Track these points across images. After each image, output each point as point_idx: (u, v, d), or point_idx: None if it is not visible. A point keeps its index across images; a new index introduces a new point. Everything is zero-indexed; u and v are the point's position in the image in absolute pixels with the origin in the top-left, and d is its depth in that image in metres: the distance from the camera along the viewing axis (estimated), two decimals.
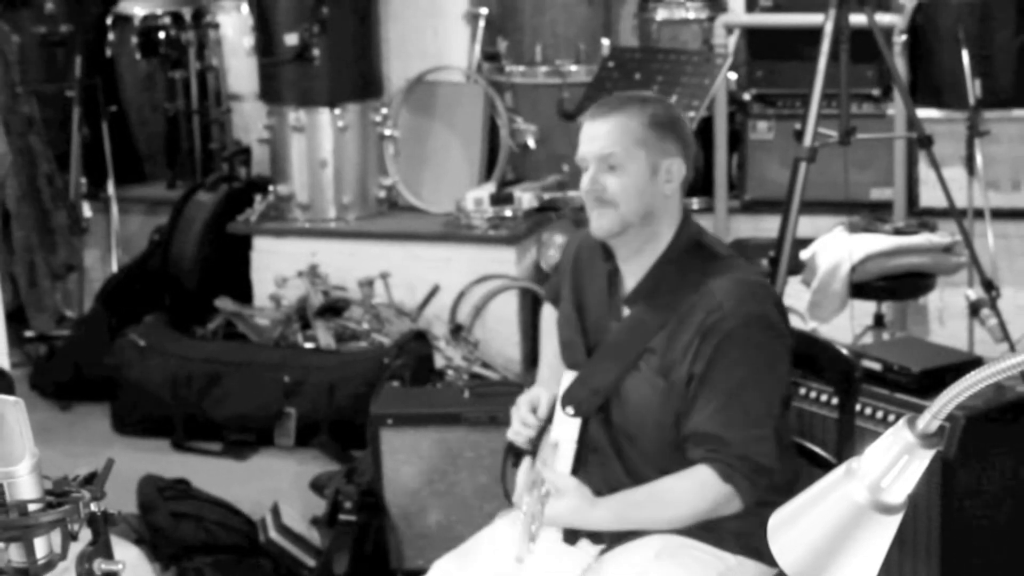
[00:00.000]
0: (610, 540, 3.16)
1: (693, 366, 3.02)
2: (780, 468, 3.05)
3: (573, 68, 6.77)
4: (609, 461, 3.15)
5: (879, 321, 5.58)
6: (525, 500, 3.02)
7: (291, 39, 6.43)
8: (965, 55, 5.73)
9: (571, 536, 3.17)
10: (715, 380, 3.01)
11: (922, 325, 6.15)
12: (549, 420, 3.27)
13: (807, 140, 4.71)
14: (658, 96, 3.30)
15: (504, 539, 3.20)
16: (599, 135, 3.10)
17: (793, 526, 1.67)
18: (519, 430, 3.29)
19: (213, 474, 5.37)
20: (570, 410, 3.17)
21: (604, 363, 3.14)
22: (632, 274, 3.17)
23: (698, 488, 3.02)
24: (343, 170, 6.64)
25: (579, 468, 3.14)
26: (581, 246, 3.33)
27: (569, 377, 3.21)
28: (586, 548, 3.18)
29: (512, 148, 6.66)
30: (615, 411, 3.14)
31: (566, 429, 3.18)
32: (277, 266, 6.51)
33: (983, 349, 5.30)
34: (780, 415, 3.10)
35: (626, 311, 3.17)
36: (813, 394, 4.03)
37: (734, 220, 6.73)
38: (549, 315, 3.53)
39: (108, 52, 7.44)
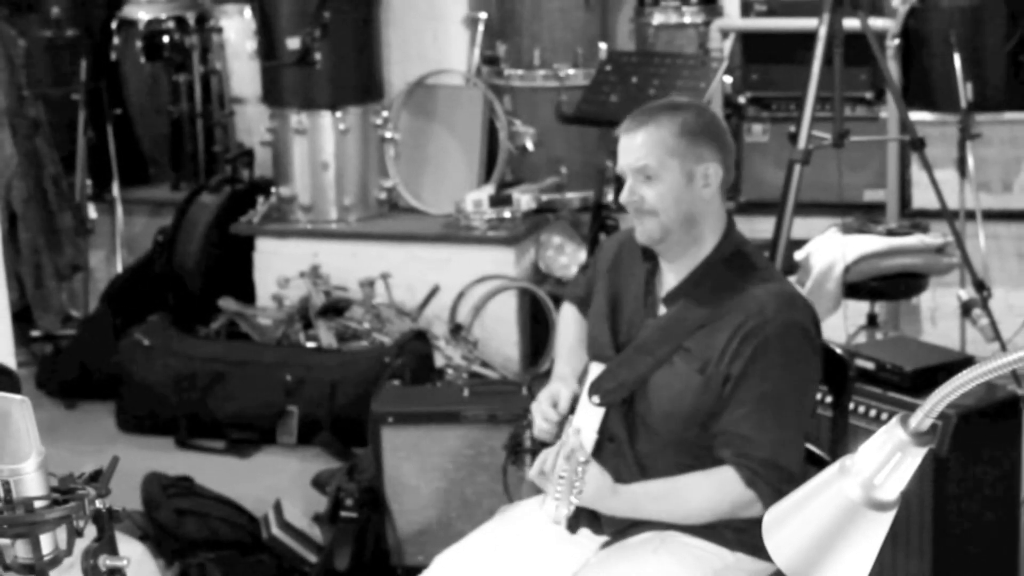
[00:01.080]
0: (611, 533, 3.16)
1: (731, 367, 3.01)
2: (802, 475, 3.05)
3: (571, 72, 6.77)
4: (623, 450, 3.15)
5: (872, 321, 5.59)
6: (562, 466, 2.99)
7: (293, 43, 6.42)
8: (957, 59, 5.73)
9: (573, 524, 3.17)
10: (751, 383, 3.00)
11: (914, 325, 6.15)
12: (569, 414, 3.27)
13: (801, 142, 4.72)
14: (693, 103, 3.27)
15: (504, 535, 3.21)
16: (632, 148, 3.10)
17: (788, 523, 1.67)
18: (542, 425, 3.29)
19: (216, 471, 5.37)
20: (596, 399, 3.18)
21: (636, 356, 3.14)
22: (673, 274, 3.18)
23: (719, 489, 3.02)
24: (344, 172, 6.64)
25: (597, 455, 3.15)
26: (623, 245, 3.32)
27: (598, 368, 3.21)
28: (586, 541, 3.18)
29: (511, 150, 6.66)
30: (639, 402, 3.14)
31: (590, 417, 3.19)
32: (279, 267, 6.51)
33: (974, 348, 5.31)
34: (808, 425, 3.11)
35: (663, 309, 3.18)
36: None
37: None
38: (569, 314, 3.53)
39: (113, 56, 7.44)
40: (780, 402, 3.02)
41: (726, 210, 3.20)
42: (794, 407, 3.04)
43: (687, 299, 3.13)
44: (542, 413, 3.29)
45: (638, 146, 3.09)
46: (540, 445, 3.32)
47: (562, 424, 3.27)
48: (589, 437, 3.17)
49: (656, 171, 3.07)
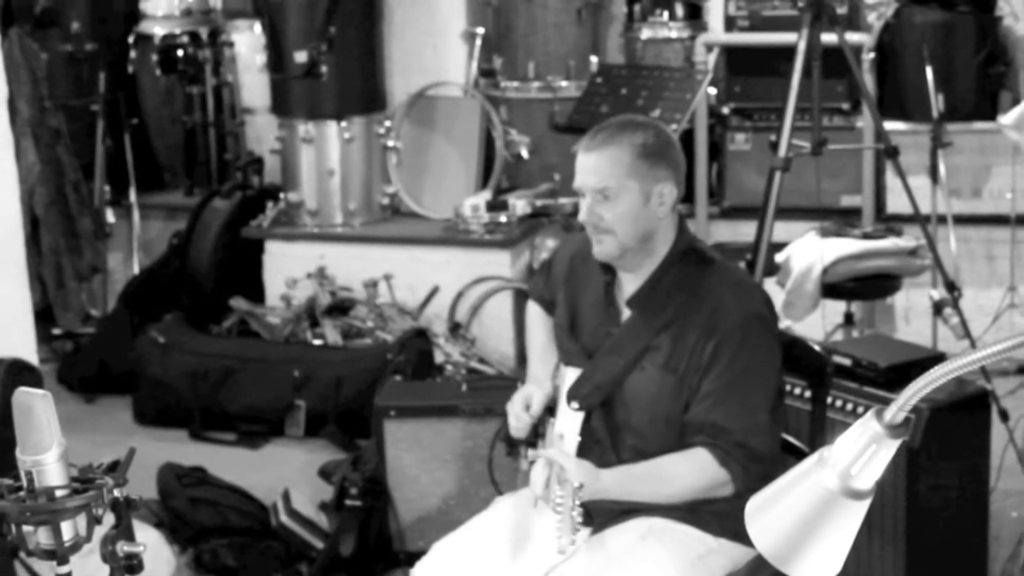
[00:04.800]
0: (600, 522, 3.16)
1: (699, 361, 3.03)
2: (774, 456, 3.05)
3: (564, 84, 6.77)
4: (606, 453, 3.15)
5: (849, 319, 5.59)
6: (558, 493, 2.98)
7: (301, 56, 6.42)
8: (929, 72, 5.73)
9: None
10: (716, 373, 3.01)
11: (889, 323, 6.16)
12: (544, 415, 3.27)
13: (781, 151, 4.71)
14: (649, 121, 3.19)
15: (500, 523, 3.20)
16: (592, 168, 3.07)
17: (769, 510, 1.67)
18: (515, 425, 3.29)
19: (228, 462, 5.37)
20: (575, 405, 3.17)
21: (608, 360, 3.14)
22: (632, 280, 3.16)
23: (697, 469, 3.03)
24: (349, 179, 6.64)
25: (583, 457, 3.14)
26: (575, 255, 3.30)
27: (573, 374, 3.20)
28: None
29: (507, 158, 6.66)
30: (618, 408, 3.14)
31: (570, 422, 3.18)
32: (288, 268, 6.51)
33: (946, 346, 5.31)
34: (776, 407, 3.10)
35: (627, 313, 3.17)
36: (788, 387, 4.03)
37: (714, 225, 6.74)
38: (535, 313, 3.51)
39: (130, 69, 7.44)
40: (745, 389, 3.02)
41: (677, 215, 3.18)
42: (759, 392, 3.04)
43: (650, 300, 3.12)
44: (515, 415, 3.29)
45: (599, 167, 3.05)
46: (503, 438, 3.34)
47: (535, 426, 3.27)
48: (572, 440, 3.17)
49: (615, 192, 3.05)
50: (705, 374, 3.02)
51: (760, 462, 2.99)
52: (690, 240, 3.19)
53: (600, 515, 3.16)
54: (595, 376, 3.16)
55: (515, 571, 3.08)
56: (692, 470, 3.04)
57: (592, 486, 3.01)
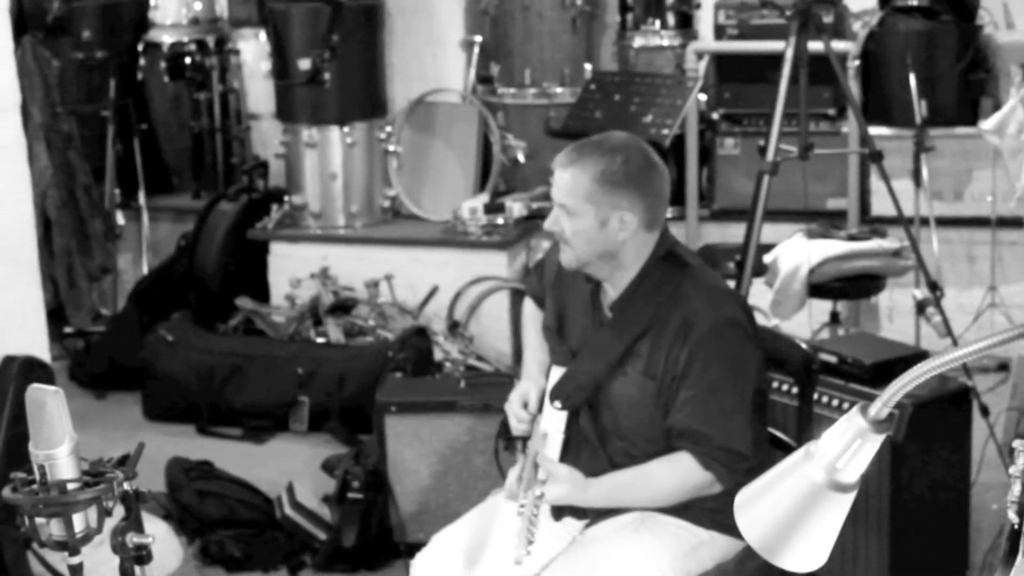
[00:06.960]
0: (593, 516, 3.16)
1: (675, 368, 3.02)
2: (757, 452, 3.04)
3: (559, 90, 6.77)
4: (596, 453, 3.15)
5: (835, 318, 5.59)
6: (521, 500, 2.99)
7: (304, 64, 6.42)
8: (912, 78, 5.73)
9: (557, 513, 3.17)
10: (692, 380, 3.00)
11: (873, 322, 6.15)
12: (540, 411, 3.26)
13: (770, 155, 4.71)
14: (625, 144, 3.07)
15: (497, 515, 3.20)
16: (559, 183, 3.06)
17: (758, 503, 1.67)
18: (515, 425, 3.28)
19: (234, 456, 5.37)
20: (558, 404, 3.16)
21: (589, 361, 3.13)
22: (613, 287, 3.15)
23: (681, 473, 3.03)
24: (351, 182, 6.63)
25: (566, 456, 3.13)
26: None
27: (557, 373, 3.20)
28: (570, 523, 3.18)
29: (504, 162, 6.66)
30: (604, 411, 3.13)
31: (554, 421, 3.17)
32: (292, 269, 6.51)
33: (928, 344, 5.31)
34: (758, 408, 3.09)
35: (609, 316, 3.16)
36: (775, 384, 4.04)
37: (704, 227, 6.74)
38: (531, 310, 3.50)
39: (139, 75, 7.43)
40: (722, 395, 3.01)
41: (660, 229, 3.14)
42: (736, 395, 3.03)
43: (629, 305, 3.11)
44: (515, 414, 3.27)
45: (563, 184, 3.05)
46: (504, 431, 3.33)
47: (534, 421, 3.27)
48: (556, 439, 3.16)
49: (573, 211, 3.04)
50: (681, 381, 3.01)
51: (744, 459, 2.99)
52: (669, 245, 3.16)
53: (594, 510, 3.15)
54: (577, 377, 3.14)
55: (511, 564, 3.07)
56: (676, 475, 3.04)
57: (580, 495, 3.02)
